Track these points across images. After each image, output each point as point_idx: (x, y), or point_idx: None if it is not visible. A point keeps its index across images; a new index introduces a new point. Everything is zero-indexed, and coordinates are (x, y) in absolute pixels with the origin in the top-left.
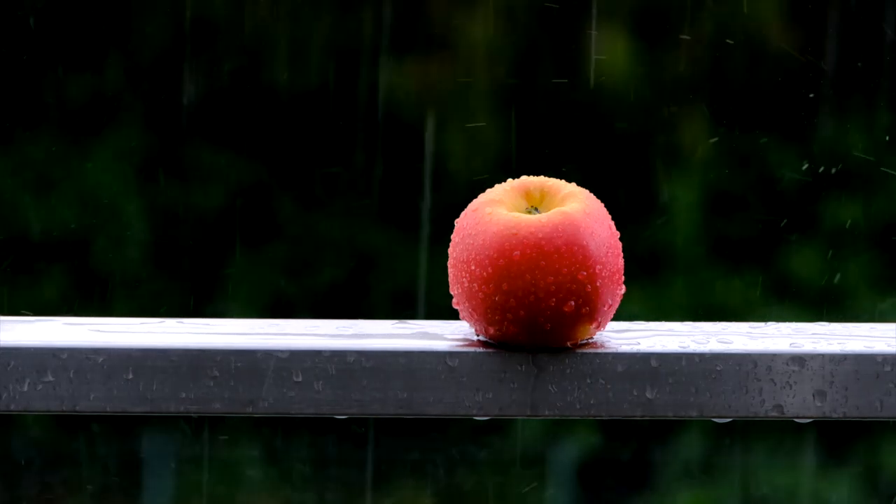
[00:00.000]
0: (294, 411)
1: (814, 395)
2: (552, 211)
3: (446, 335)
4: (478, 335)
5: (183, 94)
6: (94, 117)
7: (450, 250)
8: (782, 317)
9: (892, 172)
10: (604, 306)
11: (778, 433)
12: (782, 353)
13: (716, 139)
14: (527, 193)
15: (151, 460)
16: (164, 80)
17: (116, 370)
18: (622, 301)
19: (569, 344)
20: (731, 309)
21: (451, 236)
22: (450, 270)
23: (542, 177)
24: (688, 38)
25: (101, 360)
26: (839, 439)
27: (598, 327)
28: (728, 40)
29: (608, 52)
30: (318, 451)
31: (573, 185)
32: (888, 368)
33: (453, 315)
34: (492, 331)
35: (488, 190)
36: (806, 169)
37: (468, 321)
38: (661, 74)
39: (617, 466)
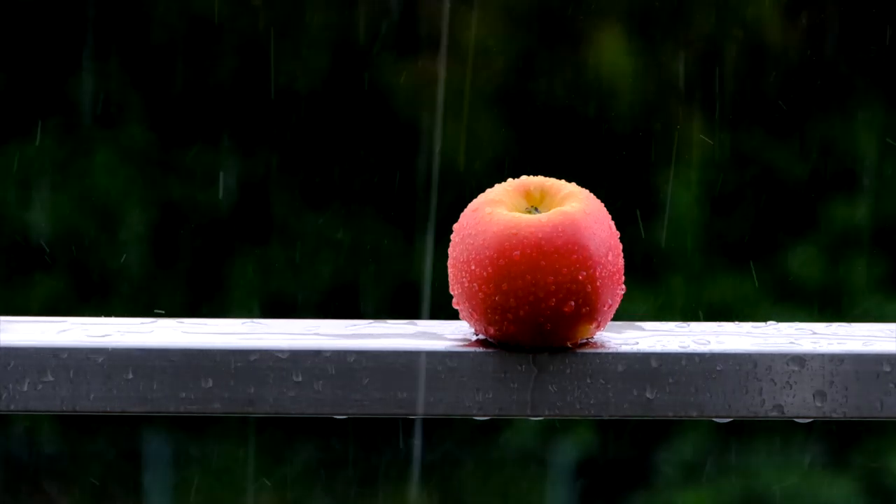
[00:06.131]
0: (294, 411)
1: (814, 395)
2: (552, 211)
3: (446, 335)
4: (478, 335)
5: (183, 94)
6: (96, 117)
7: (450, 250)
8: (782, 317)
9: (893, 172)
10: (604, 306)
11: (778, 433)
12: (782, 353)
13: (715, 139)
14: (527, 193)
15: (151, 460)
16: (165, 79)
17: (116, 370)
18: (622, 301)
19: (569, 344)
20: (731, 309)
21: (451, 236)
22: (450, 270)
23: (541, 177)
24: (687, 37)
25: (101, 360)
26: (839, 439)
27: (598, 327)
28: (728, 39)
29: (607, 51)
30: (318, 451)
31: (573, 185)
32: (888, 368)
33: (453, 315)
34: (492, 331)
35: (488, 190)
36: (806, 169)
37: (468, 321)
38: (661, 74)
39: (616, 466)
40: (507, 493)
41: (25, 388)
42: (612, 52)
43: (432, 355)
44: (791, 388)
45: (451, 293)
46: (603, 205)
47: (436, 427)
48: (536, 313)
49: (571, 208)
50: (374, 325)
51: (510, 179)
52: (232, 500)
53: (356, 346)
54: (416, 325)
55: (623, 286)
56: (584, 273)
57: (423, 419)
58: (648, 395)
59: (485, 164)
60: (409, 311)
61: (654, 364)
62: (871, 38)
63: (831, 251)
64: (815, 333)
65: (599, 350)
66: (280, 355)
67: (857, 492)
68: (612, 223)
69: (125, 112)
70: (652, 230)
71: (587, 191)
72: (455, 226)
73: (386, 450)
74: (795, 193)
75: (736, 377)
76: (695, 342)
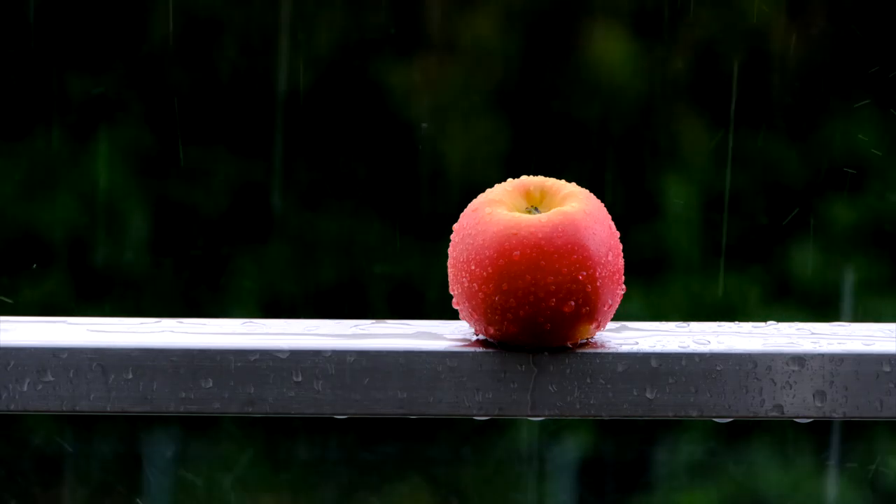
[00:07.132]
0: (294, 411)
1: (814, 395)
2: (552, 211)
3: (446, 335)
4: (478, 335)
5: (182, 93)
6: (95, 116)
7: (450, 250)
8: (782, 317)
9: (892, 173)
10: (604, 306)
11: (778, 433)
12: (782, 353)
13: (715, 139)
14: (527, 193)
15: (151, 460)
16: (164, 78)
17: (116, 370)
18: (622, 301)
19: (569, 344)
20: (731, 309)
21: (451, 236)
22: (450, 270)
23: (541, 177)
24: (687, 37)
25: (101, 360)
26: (839, 439)
27: (598, 327)
28: (728, 39)
29: (608, 51)
30: (318, 451)
31: (573, 185)
32: (888, 368)
33: (453, 315)
34: (492, 331)
35: (488, 190)
36: (806, 168)
37: (468, 321)
38: (661, 74)
39: (617, 466)
40: (507, 493)
41: (25, 388)
42: (612, 52)
43: (432, 355)
44: (791, 388)
45: (451, 293)
46: (603, 205)
47: (436, 427)
48: (536, 313)
49: (571, 208)
50: (373, 325)
51: (510, 179)
52: (231, 500)
53: (356, 346)
54: (415, 325)
55: (623, 286)
56: (584, 273)
57: (423, 419)
58: (648, 395)
59: (485, 164)
60: (408, 311)
61: (654, 364)
62: (871, 38)
63: (831, 251)
64: (814, 333)
65: (599, 350)
66: (280, 355)
67: (857, 492)
68: (612, 223)
69: (125, 110)
70: (651, 230)
71: (587, 191)
72: (455, 226)
73: (385, 450)
74: (795, 193)
75: (736, 377)
76: (695, 342)
